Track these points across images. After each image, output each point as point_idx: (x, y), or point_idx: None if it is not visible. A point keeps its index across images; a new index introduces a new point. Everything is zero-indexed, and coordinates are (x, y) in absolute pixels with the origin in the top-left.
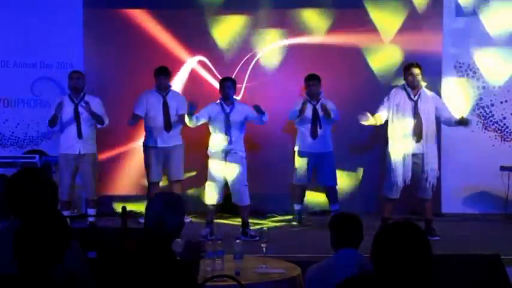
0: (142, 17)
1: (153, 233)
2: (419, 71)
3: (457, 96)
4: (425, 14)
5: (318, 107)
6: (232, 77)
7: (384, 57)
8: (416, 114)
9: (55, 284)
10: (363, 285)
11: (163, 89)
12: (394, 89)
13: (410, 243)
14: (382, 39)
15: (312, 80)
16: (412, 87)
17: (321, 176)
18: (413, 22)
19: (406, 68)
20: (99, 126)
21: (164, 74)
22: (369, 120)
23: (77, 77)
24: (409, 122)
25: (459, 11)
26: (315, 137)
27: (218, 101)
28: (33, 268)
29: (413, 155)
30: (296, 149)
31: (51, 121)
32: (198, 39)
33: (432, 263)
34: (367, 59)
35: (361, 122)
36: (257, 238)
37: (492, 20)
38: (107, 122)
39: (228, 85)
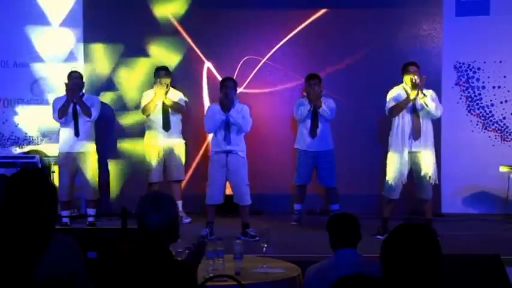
0: (142, 17)
1: (139, 231)
2: (417, 69)
3: (456, 96)
4: (426, 14)
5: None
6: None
7: None
8: (414, 112)
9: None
10: (358, 285)
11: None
12: (392, 89)
13: (423, 246)
14: None
15: (313, 79)
16: (410, 85)
17: (321, 176)
18: (413, 22)
19: (404, 66)
20: (87, 119)
21: (164, 69)
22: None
23: (75, 76)
24: (408, 120)
25: (459, 11)
26: (314, 136)
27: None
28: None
29: (412, 153)
30: (296, 148)
31: (60, 112)
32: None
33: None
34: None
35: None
36: (257, 238)
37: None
38: (94, 114)
39: (229, 85)
